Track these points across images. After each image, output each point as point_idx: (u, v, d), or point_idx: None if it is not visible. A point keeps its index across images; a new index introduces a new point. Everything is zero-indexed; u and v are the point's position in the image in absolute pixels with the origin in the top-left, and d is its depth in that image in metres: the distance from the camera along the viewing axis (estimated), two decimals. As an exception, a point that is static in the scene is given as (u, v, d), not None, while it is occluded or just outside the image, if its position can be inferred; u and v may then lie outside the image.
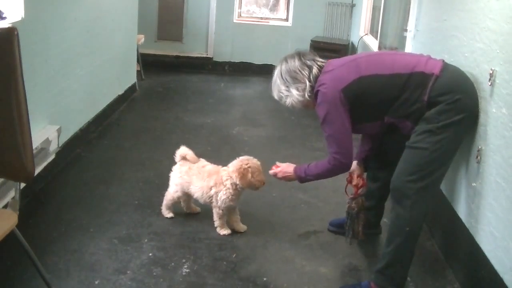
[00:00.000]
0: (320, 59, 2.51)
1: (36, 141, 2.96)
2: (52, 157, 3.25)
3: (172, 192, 2.95)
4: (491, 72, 2.27)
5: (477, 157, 2.37)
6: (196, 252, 2.67)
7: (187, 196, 2.98)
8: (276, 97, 2.57)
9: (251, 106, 5.54)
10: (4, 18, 2.76)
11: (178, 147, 3.11)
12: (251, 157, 2.84)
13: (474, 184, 2.40)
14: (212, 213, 2.90)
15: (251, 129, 4.72)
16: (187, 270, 2.51)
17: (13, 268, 2.40)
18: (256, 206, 3.23)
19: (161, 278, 2.43)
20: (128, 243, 2.70)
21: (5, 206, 2.38)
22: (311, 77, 2.43)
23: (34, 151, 2.74)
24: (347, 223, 2.73)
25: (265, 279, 2.50)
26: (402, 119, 2.33)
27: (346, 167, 2.45)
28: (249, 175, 2.75)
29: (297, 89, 2.45)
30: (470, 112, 2.28)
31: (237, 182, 2.75)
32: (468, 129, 2.36)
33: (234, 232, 2.89)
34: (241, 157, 2.84)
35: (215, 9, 6.96)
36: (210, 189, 2.81)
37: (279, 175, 2.68)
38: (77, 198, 3.17)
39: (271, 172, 2.71)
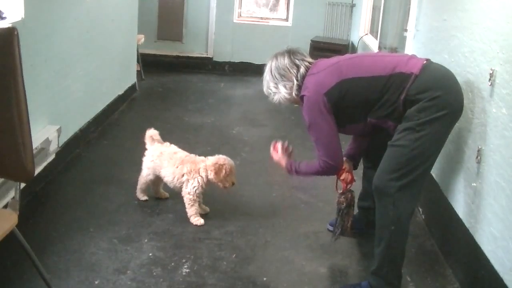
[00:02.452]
0: (308, 59, 2.56)
1: (36, 141, 2.96)
2: (52, 157, 3.25)
3: (144, 175, 3.10)
4: (491, 72, 2.27)
5: (477, 157, 2.37)
6: (196, 252, 2.67)
7: (158, 179, 3.10)
8: (265, 92, 2.64)
9: (251, 106, 5.53)
10: (4, 18, 2.76)
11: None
12: (229, 158, 2.99)
13: (474, 184, 2.40)
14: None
15: (251, 129, 4.72)
16: (187, 270, 2.51)
17: (13, 268, 2.40)
18: (256, 206, 3.23)
19: (161, 278, 2.43)
20: (128, 243, 2.70)
21: (5, 206, 2.38)
22: (298, 76, 2.50)
23: (34, 151, 2.74)
24: (337, 220, 2.74)
25: (265, 279, 2.50)
26: (384, 119, 2.36)
27: (335, 169, 2.52)
28: (223, 171, 2.90)
29: (285, 87, 2.52)
30: (452, 109, 2.26)
31: (210, 176, 2.90)
32: (451, 126, 2.33)
33: (234, 232, 2.89)
34: (219, 155, 2.99)
35: (215, 9, 6.95)
36: (183, 176, 2.94)
37: (274, 159, 2.78)
38: (77, 198, 3.17)
39: (272, 151, 2.80)
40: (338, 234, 2.73)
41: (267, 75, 2.57)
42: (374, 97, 2.32)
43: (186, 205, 2.94)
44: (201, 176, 2.91)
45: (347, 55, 2.65)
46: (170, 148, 3.08)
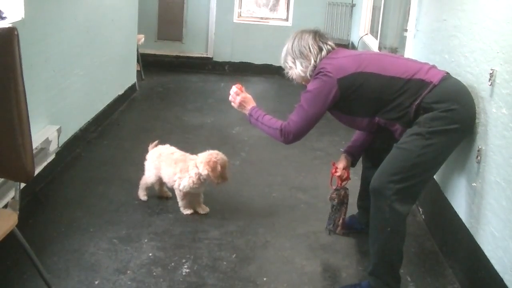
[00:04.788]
0: (332, 44, 2.56)
1: (36, 141, 2.96)
2: (52, 157, 3.25)
3: (146, 177, 3.14)
4: (491, 72, 2.27)
5: (477, 157, 2.37)
6: (196, 252, 2.67)
7: (160, 180, 3.13)
8: (282, 64, 2.65)
9: (251, 106, 5.52)
10: (4, 18, 2.76)
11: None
12: (220, 153, 2.99)
13: (474, 184, 2.40)
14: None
15: (251, 129, 4.70)
16: (187, 270, 2.51)
17: (13, 268, 2.40)
18: (256, 206, 3.23)
19: (161, 278, 2.43)
20: (128, 243, 2.70)
21: (5, 206, 2.38)
22: (318, 58, 2.49)
23: (34, 151, 2.74)
24: (330, 215, 2.78)
25: (265, 279, 2.50)
26: (392, 121, 2.36)
27: (290, 139, 2.50)
28: (218, 167, 2.89)
29: (301, 65, 2.52)
30: (464, 125, 2.29)
31: (204, 174, 2.89)
32: (459, 141, 2.35)
33: (234, 232, 2.89)
34: (210, 151, 2.98)
35: (215, 9, 6.96)
36: (174, 174, 2.98)
37: (238, 100, 2.65)
38: (77, 198, 3.17)
39: (233, 91, 2.66)
40: (329, 229, 2.75)
41: (287, 48, 2.58)
42: (388, 97, 2.32)
43: (178, 198, 3.04)
44: (191, 176, 2.92)
45: (370, 51, 2.67)
46: (169, 149, 3.11)
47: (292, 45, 2.55)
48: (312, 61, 2.49)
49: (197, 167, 2.91)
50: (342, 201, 2.72)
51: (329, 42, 2.54)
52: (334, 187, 2.75)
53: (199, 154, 2.98)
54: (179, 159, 3.01)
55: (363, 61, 2.39)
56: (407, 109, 2.29)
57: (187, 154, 3.06)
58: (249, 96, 2.67)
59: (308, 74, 2.51)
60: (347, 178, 2.76)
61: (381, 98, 2.34)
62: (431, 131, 2.20)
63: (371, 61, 2.40)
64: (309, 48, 2.49)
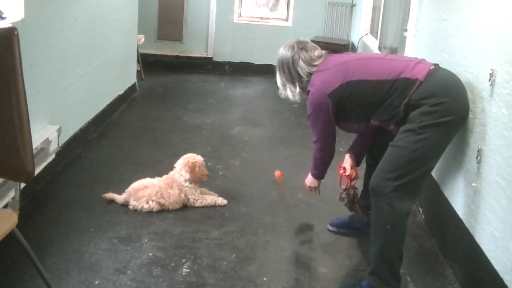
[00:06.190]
0: (317, 54, 2.62)
1: (36, 141, 2.96)
2: (52, 157, 3.25)
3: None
4: (491, 72, 2.27)
5: (477, 157, 2.37)
6: (196, 252, 2.67)
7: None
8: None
9: (251, 106, 5.53)
10: (4, 18, 2.76)
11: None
12: (194, 154, 3.19)
13: (474, 184, 2.41)
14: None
15: (251, 129, 4.72)
16: (187, 270, 2.51)
17: (13, 268, 2.40)
18: (256, 206, 3.23)
19: (161, 278, 2.43)
20: (128, 243, 2.70)
21: (5, 206, 2.38)
22: (301, 82, 2.62)
23: (34, 151, 2.74)
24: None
25: (265, 279, 2.50)
26: (386, 122, 2.40)
27: (328, 151, 2.67)
28: (197, 168, 3.10)
29: (290, 90, 2.67)
30: (456, 116, 2.29)
31: (187, 177, 3.08)
32: (454, 132, 2.36)
33: (234, 232, 2.90)
34: (184, 156, 3.17)
35: (215, 9, 6.95)
36: (179, 195, 3.08)
37: (307, 184, 2.91)
38: (77, 198, 3.17)
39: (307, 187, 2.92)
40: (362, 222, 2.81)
41: (277, 71, 2.70)
42: (377, 100, 2.36)
43: (203, 205, 3.11)
44: (187, 186, 3.08)
45: (357, 55, 2.72)
46: (148, 181, 3.13)
47: (278, 71, 2.68)
48: (297, 88, 2.63)
49: (181, 175, 3.08)
50: (353, 200, 2.73)
51: (313, 62, 2.59)
52: (343, 187, 2.75)
53: (176, 163, 3.14)
54: (166, 182, 3.08)
55: (349, 69, 2.44)
56: (397, 109, 2.32)
57: (165, 176, 3.15)
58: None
59: (297, 98, 2.66)
60: (356, 177, 2.76)
61: (371, 102, 2.38)
62: (422, 125, 2.22)
63: (357, 68, 2.44)
64: (291, 76, 2.62)
